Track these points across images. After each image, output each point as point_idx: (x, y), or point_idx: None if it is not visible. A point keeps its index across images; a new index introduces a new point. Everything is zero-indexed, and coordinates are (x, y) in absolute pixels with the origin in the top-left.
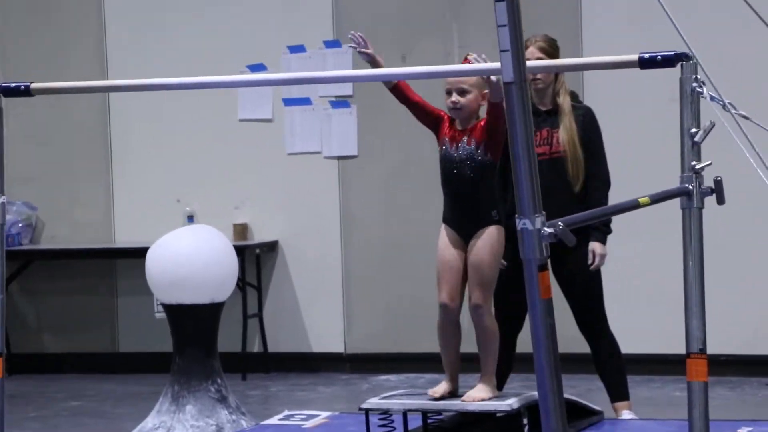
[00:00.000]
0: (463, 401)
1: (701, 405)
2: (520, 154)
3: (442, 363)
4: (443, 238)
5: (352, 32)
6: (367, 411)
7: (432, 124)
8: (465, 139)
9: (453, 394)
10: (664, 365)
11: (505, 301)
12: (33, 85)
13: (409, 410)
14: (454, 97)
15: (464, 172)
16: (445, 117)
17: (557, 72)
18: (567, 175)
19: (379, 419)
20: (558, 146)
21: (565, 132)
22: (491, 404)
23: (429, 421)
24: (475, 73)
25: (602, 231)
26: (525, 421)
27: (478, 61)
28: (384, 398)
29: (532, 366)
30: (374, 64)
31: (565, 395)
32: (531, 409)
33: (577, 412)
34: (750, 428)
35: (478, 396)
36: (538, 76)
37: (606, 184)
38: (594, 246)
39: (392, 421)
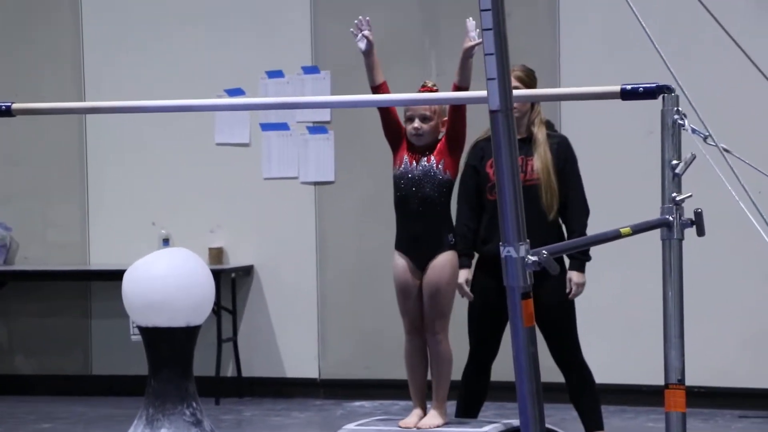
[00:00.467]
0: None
1: None
2: (505, 182)
3: (410, 392)
4: (398, 267)
5: (360, 16)
6: None
7: (394, 135)
8: (425, 157)
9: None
10: (637, 396)
11: (480, 326)
12: (14, 106)
13: None
14: (417, 123)
15: (423, 189)
16: (404, 136)
17: (534, 102)
18: (541, 203)
19: None
20: (532, 174)
21: (540, 160)
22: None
23: None
24: (455, 101)
25: (580, 260)
26: None
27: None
28: (360, 425)
29: (507, 394)
30: (369, 56)
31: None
32: None
33: None
34: None
35: (433, 423)
36: (514, 104)
37: (585, 211)
38: (572, 274)
39: None
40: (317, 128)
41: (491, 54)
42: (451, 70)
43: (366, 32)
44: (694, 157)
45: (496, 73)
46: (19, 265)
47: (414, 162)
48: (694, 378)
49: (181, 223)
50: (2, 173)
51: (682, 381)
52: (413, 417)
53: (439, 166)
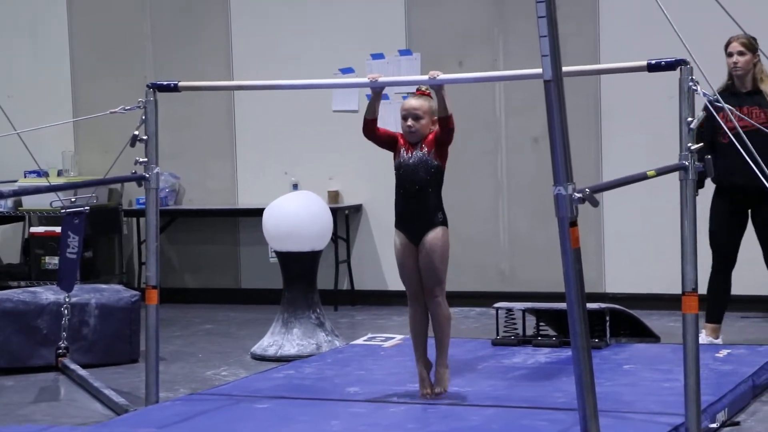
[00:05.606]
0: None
1: (693, 332)
2: (556, 137)
3: (414, 353)
4: (397, 246)
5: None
6: (497, 309)
7: (391, 145)
8: (418, 147)
9: (429, 371)
10: (658, 302)
11: (724, 244)
12: (180, 84)
13: (527, 309)
14: (410, 122)
15: (418, 174)
16: (399, 136)
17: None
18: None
19: (507, 316)
20: (757, 120)
21: (761, 109)
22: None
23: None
24: (518, 78)
25: None
26: (607, 318)
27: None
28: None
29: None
30: (377, 96)
31: (633, 312)
32: (613, 312)
33: (639, 331)
34: (728, 350)
35: (444, 388)
36: (739, 64)
37: None
38: None
39: (513, 314)
40: None
41: (545, 36)
42: (515, 50)
43: (380, 78)
44: (704, 115)
45: (549, 51)
46: (185, 205)
47: (410, 152)
48: (703, 287)
49: (307, 172)
50: (172, 136)
51: (695, 289)
52: (426, 387)
53: (431, 155)
